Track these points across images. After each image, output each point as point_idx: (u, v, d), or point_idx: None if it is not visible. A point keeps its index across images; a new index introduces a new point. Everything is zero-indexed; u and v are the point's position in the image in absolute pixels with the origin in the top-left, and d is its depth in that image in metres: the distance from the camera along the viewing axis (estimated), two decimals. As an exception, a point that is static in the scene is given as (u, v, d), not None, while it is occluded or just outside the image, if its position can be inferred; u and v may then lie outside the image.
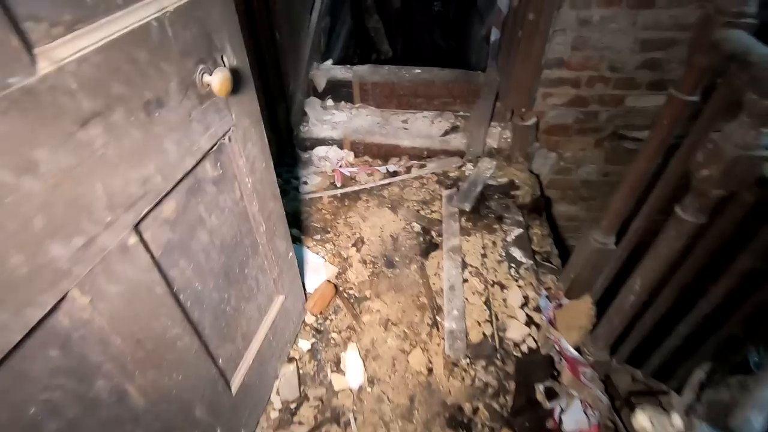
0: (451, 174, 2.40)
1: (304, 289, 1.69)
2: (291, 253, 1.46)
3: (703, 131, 1.08)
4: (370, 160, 2.52)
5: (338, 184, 2.34)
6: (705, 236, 1.16)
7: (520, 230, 2.06)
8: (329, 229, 2.10)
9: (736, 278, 1.24)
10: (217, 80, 0.83)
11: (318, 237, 2.05)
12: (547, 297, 1.76)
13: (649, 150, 1.30)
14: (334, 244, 2.02)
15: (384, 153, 2.51)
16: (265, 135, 1.15)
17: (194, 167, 0.89)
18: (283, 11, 2.11)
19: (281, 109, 2.31)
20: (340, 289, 1.82)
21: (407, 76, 2.57)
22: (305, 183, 2.31)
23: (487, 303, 1.74)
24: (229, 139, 0.99)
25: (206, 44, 0.85)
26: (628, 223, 1.49)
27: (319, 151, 2.51)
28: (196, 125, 0.86)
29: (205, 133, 0.89)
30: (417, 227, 2.11)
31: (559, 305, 1.71)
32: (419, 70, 2.59)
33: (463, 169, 2.42)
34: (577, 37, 2.05)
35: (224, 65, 0.92)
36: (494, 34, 2.36)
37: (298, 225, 2.08)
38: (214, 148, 0.94)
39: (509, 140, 2.40)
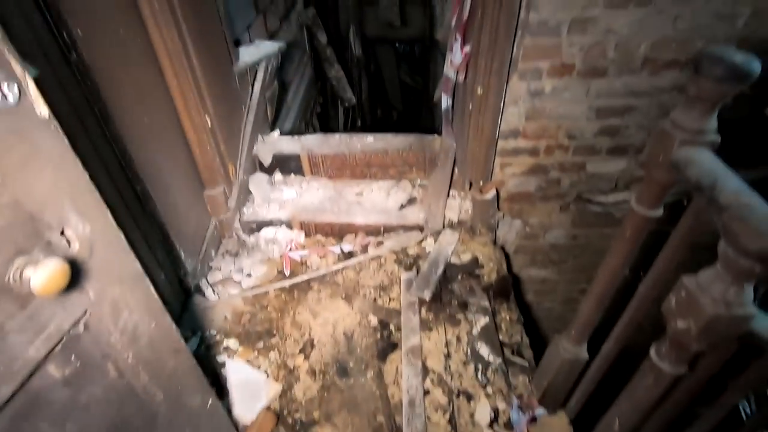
0: (411, 251, 2.21)
1: (236, 429, 1.43)
2: (210, 401, 1.22)
3: (671, 265, 0.92)
4: (323, 239, 2.32)
5: (287, 272, 2.12)
6: (686, 379, 0.99)
7: (487, 319, 1.86)
8: (274, 332, 1.86)
9: (724, 411, 1.07)
10: (41, 278, 0.62)
11: (261, 345, 1.80)
12: (520, 407, 1.55)
13: (612, 263, 1.14)
14: (279, 352, 1.78)
15: (338, 231, 2.31)
16: (153, 290, 0.93)
17: (19, 388, 0.66)
18: (217, 92, 1.94)
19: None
20: (284, 413, 1.57)
21: (359, 145, 2.42)
22: (249, 275, 2.08)
23: (452, 421, 1.52)
24: (86, 326, 0.77)
25: (29, 228, 0.64)
26: (601, 331, 1.32)
27: (267, 233, 2.29)
28: (16, 337, 0.64)
29: (35, 339, 0.67)
30: (374, 321, 1.90)
31: (533, 419, 1.51)
32: (371, 139, 2.44)
33: (423, 245, 2.23)
34: (531, 107, 1.94)
35: (69, 242, 0.71)
36: (444, 102, 2.24)
37: (237, 333, 1.83)
38: (58, 347, 0.72)
39: (470, 212, 2.24)
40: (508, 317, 1.96)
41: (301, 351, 1.78)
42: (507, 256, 2.36)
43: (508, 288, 2.05)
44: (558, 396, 1.51)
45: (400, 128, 2.58)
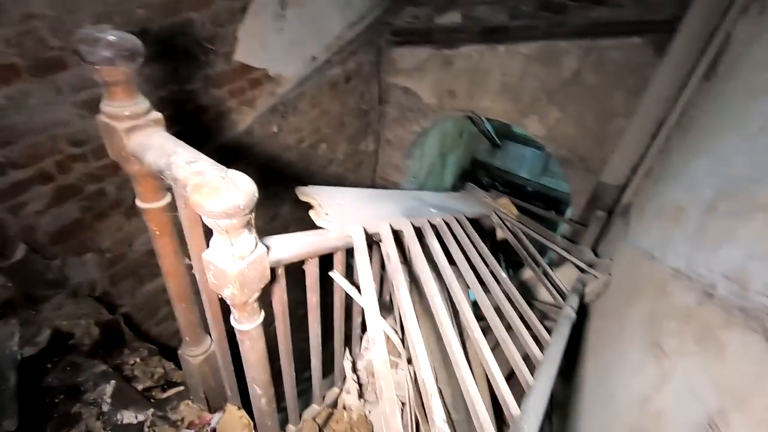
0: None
1: None
2: None
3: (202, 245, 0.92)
4: None
5: None
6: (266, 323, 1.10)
7: (112, 383, 1.53)
8: None
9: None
10: None
11: None
12: (196, 434, 1.42)
13: (167, 262, 1.07)
14: None
15: None
16: None
17: None
18: None
19: None
20: None
21: None
22: None
23: None
24: None
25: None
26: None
27: None
28: None
29: None
30: None
31: (213, 429, 1.42)
32: None
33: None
34: None
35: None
36: None
37: None
38: None
39: None
40: (138, 359, 1.69)
41: None
42: (103, 302, 1.97)
43: (120, 331, 1.74)
44: (220, 393, 1.47)
45: None
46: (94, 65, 0.74)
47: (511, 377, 1.34)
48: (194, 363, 1.33)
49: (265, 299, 0.94)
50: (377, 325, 1.10)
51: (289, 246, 1.00)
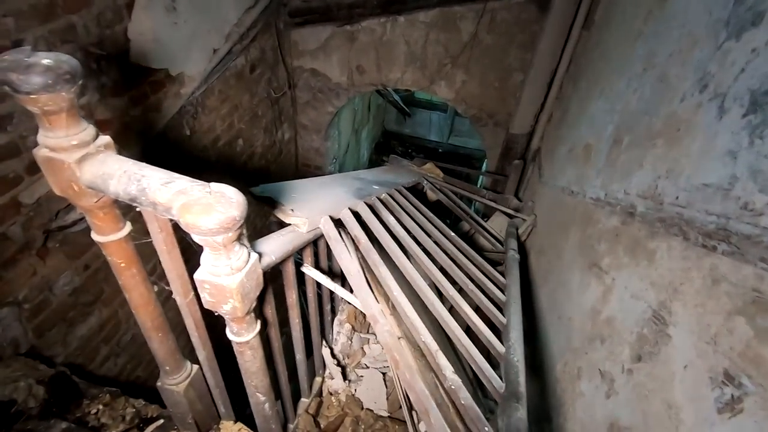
0: None
1: None
2: None
3: (181, 266, 0.87)
4: None
5: None
6: (264, 329, 1.09)
7: (81, 437, 1.39)
8: None
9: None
10: None
11: None
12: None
13: (135, 294, 1.00)
14: None
15: None
16: None
17: None
18: None
19: None
20: None
21: None
22: None
23: None
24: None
25: None
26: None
27: None
28: None
29: None
30: None
31: (212, 453, 1.38)
32: None
33: None
34: None
35: None
36: None
37: None
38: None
39: None
40: (101, 405, 1.55)
41: None
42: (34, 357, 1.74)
43: (71, 382, 1.57)
44: (209, 414, 1.42)
45: None
46: (30, 95, 0.65)
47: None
48: (179, 390, 1.27)
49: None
50: (373, 304, 1.14)
51: (274, 248, 0.99)
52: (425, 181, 3.02)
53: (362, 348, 2.12)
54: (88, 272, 2.08)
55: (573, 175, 2.07)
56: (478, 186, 4.24)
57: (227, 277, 0.78)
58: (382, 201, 1.82)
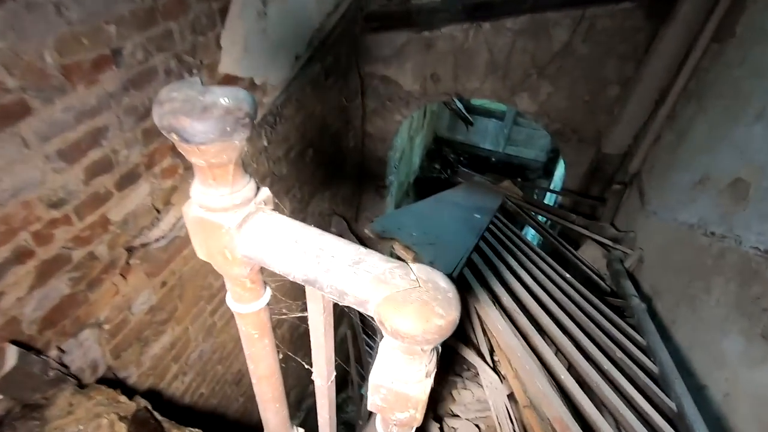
0: None
1: None
2: None
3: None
4: None
5: None
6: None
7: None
8: None
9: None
10: None
11: None
12: None
13: (263, 365, 0.83)
14: None
15: None
16: None
17: None
18: None
19: None
20: None
21: None
22: None
23: None
24: None
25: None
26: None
27: None
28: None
29: None
30: None
31: None
32: None
33: None
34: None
35: None
36: None
37: None
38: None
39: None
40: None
41: None
42: (109, 382, 1.64)
43: (154, 421, 1.44)
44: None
45: None
46: (202, 145, 0.48)
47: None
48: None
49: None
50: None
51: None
52: (509, 203, 2.77)
53: (451, 393, 1.91)
54: (164, 289, 1.98)
55: (710, 212, 1.77)
56: (551, 204, 3.93)
57: (416, 384, 0.58)
58: (497, 240, 1.60)
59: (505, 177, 3.53)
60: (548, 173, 7.77)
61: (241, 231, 0.58)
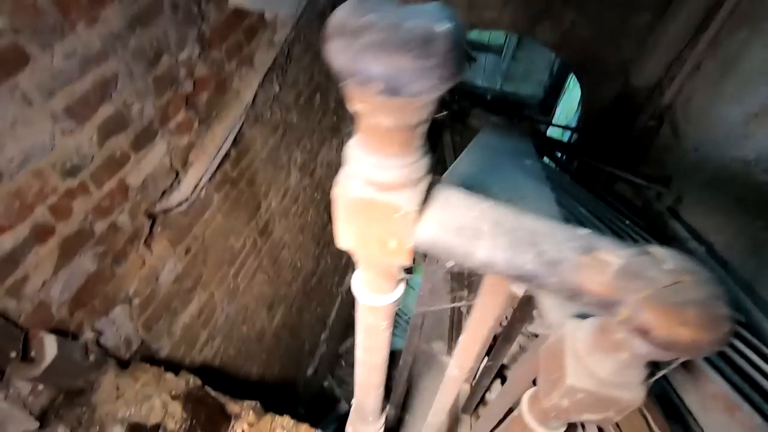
0: None
1: None
2: None
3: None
4: None
5: None
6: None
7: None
8: None
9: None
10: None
11: None
12: None
13: (375, 356, 0.72)
14: None
15: None
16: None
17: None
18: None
19: None
20: None
21: None
22: None
23: None
24: None
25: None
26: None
27: None
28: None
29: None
30: None
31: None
32: None
33: None
34: None
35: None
36: None
37: None
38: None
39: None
40: (246, 425, 1.35)
41: None
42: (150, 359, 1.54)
43: (210, 398, 1.36)
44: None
45: None
46: (415, 97, 0.31)
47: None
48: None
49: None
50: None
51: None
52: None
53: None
54: (188, 256, 1.84)
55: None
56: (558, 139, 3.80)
57: (630, 391, 0.48)
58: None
59: (503, 115, 3.36)
60: (545, 110, 7.55)
61: (422, 214, 0.43)
